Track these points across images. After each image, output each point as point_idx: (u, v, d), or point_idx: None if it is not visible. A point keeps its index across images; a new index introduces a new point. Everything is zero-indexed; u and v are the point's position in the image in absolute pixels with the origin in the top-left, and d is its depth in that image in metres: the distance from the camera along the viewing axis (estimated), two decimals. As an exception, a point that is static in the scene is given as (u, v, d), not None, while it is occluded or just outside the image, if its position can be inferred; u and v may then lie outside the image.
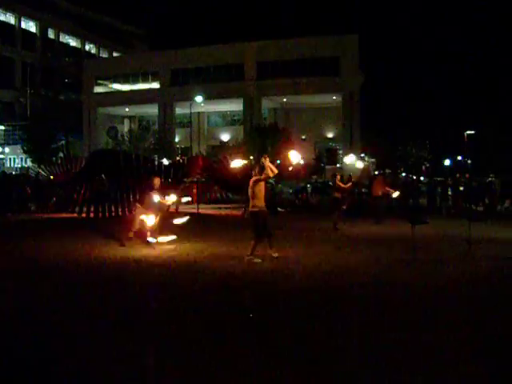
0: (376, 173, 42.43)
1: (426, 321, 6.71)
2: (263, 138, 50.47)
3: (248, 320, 6.66)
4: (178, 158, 38.71)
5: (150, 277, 9.55)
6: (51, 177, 26.62)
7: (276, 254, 11.09)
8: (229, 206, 28.09)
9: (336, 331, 6.25)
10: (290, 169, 13.31)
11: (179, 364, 5.16)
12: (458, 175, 34.04)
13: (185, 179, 26.06)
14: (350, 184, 18.92)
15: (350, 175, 21.11)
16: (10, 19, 71.71)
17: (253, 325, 6.51)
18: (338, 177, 18.32)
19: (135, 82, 65.47)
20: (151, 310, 7.41)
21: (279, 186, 36.56)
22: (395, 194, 20.38)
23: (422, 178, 47.69)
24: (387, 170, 56.01)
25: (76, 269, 10.22)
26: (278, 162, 22.60)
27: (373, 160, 68.94)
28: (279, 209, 25.35)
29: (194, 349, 5.59)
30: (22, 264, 10.79)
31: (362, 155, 61.31)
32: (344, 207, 17.55)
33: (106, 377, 4.88)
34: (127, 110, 67.34)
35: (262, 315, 6.92)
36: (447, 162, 70.91)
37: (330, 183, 37.01)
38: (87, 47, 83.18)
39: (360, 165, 52.40)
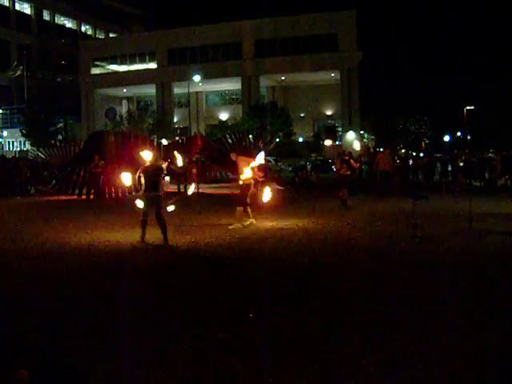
0: (381, 149, 42.23)
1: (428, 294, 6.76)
2: (262, 116, 50.43)
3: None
4: (177, 138, 38.55)
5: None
6: (50, 159, 26.58)
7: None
8: (229, 185, 27.98)
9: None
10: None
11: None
12: (455, 151, 33.96)
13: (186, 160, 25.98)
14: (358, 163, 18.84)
15: (350, 152, 21.07)
16: (4, 1, 70.83)
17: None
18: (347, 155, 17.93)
19: (132, 62, 65.12)
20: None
21: (278, 164, 36.60)
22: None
23: (421, 155, 47.64)
24: (386, 150, 55.64)
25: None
26: (278, 139, 22.56)
27: (372, 137, 68.87)
28: (278, 187, 25.34)
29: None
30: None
31: (362, 132, 61.20)
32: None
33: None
34: (125, 90, 67.08)
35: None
36: (447, 138, 70.91)
37: (331, 160, 37.05)
38: (83, 28, 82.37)
39: (357, 144, 52.33)
